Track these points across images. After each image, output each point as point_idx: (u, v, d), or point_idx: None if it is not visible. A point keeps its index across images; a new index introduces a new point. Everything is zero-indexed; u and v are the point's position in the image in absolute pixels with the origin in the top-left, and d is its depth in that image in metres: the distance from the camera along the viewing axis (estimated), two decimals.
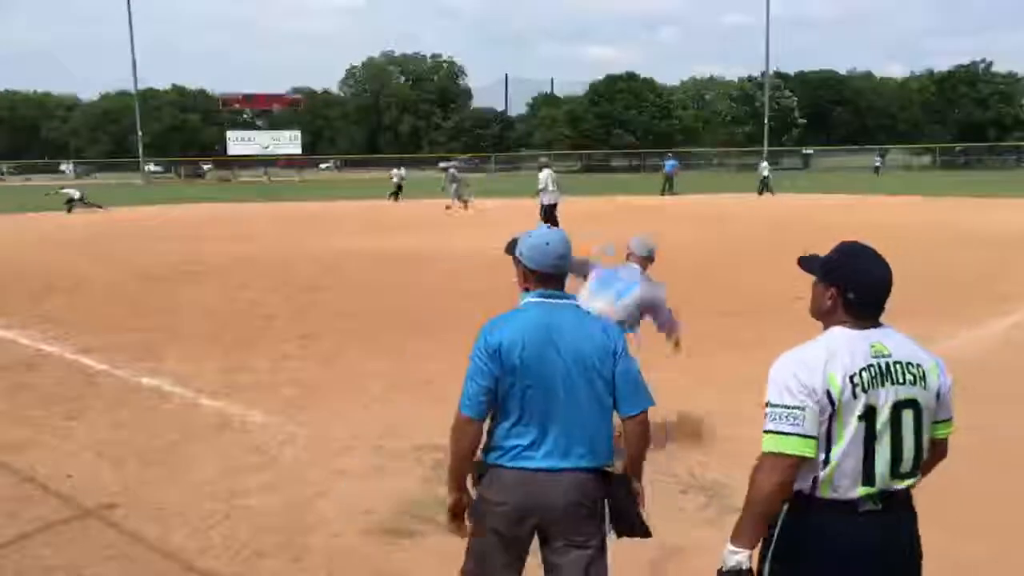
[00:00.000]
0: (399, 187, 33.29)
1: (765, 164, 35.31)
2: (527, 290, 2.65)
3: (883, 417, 2.09)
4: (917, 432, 2.14)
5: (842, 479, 2.09)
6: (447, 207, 26.47)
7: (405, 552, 3.95)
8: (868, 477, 2.10)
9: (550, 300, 2.59)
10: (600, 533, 2.59)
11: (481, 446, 2.59)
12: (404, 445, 5.29)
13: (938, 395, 2.19)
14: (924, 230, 18.17)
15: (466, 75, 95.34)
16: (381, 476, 4.83)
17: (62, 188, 32.18)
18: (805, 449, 2.05)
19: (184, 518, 4.29)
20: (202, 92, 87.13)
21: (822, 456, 2.09)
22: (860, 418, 2.07)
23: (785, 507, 2.15)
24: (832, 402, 2.06)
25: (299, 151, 71.48)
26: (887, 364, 2.12)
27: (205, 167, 75.88)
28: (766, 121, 63.11)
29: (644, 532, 2.66)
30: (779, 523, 2.17)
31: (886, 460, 2.10)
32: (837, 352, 2.11)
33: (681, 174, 40.29)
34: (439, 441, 5.33)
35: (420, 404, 6.21)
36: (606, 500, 2.58)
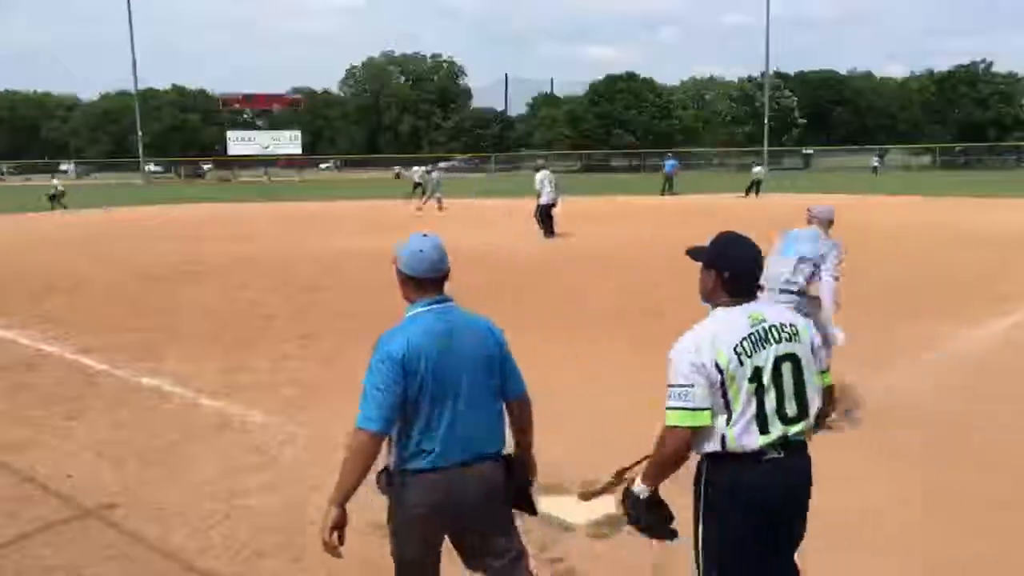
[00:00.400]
0: (417, 185, 31.62)
1: (760, 168, 35.22)
2: (409, 298, 2.74)
3: (767, 373, 2.49)
4: (798, 381, 2.54)
5: (743, 434, 2.47)
6: (418, 208, 26.37)
7: None
8: (763, 427, 2.48)
9: (436, 306, 2.70)
10: (511, 514, 2.85)
11: (389, 453, 2.69)
12: None
13: (812, 348, 2.62)
14: (924, 230, 18.17)
15: (466, 75, 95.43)
16: None
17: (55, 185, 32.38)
18: (696, 420, 2.45)
19: (184, 518, 4.29)
20: (202, 92, 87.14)
21: (724, 418, 2.47)
22: (750, 380, 2.47)
23: (706, 467, 2.56)
24: (721, 372, 2.44)
25: (299, 151, 71.51)
26: (764, 329, 2.53)
27: (205, 167, 75.91)
28: (766, 121, 63.09)
29: (532, 510, 2.95)
30: (703, 482, 2.58)
31: (773, 408, 2.49)
32: (721, 330, 2.50)
33: (681, 174, 40.28)
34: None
35: None
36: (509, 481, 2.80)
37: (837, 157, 70.86)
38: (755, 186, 32.26)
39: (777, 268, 5.51)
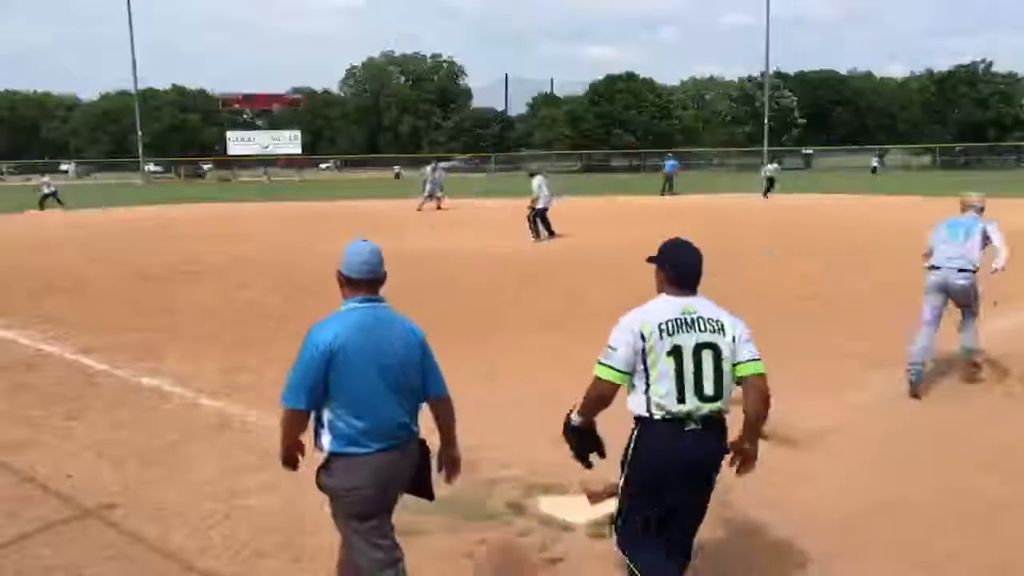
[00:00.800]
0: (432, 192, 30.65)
1: (772, 166, 34.60)
2: (345, 296, 3.09)
3: (687, 355, 3.02)
4: (716, 367, 3.05)
5: (663, 401, 3.01)
6: (438, 206, 26.79)
7: (405, 552, 3.94)
8: (681, 399, 3.01)
9: (366, 304, 3.03)
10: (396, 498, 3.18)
11: (321, 439, 2.99)
12: None
13: (734, 340, 3.08)
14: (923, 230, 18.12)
15: (466, 75, 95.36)
16: None
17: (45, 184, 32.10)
18: (610, 376, 3.06)
19: (184, 518, 4.29)
20: (202, 92, 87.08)
21: (643, 383, 3.04)
22: (669, 354, 3.01)
23: (637, 430, 3.09)
24: (644, 340, 3.03)
25: (299, 151, 71.44)
26: (692, 319, 3.07)
27: (205, 167, 75.84)
28: (766, 121, 63.07)
29: (432, 495, 3.27)
30: (632, 440, 3.11)
31: (691, 385, 3.01)
32: (655, 310, 3.11)
33: (681, 174, 40.26)
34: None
35: None
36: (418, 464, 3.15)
37: (837, 157, 70.83)
38: (769, 185, 32.02)
39: (949, 252, 6.52)
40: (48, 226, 23.95)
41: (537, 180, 18.11)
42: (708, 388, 3.02)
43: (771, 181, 32.15)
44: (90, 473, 4.88)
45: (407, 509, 4.34)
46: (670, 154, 50.41)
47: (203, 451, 5.27)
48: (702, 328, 3.05)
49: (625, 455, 3.15)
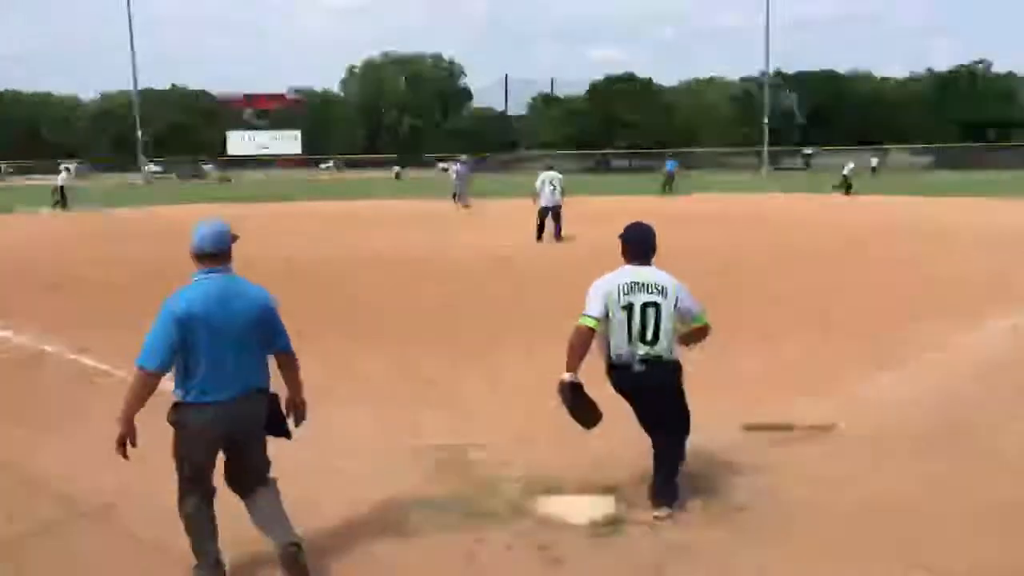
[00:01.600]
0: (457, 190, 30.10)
1: (851, 165, 34.71)
2: (195, 268, 3.52)
3: (636, 310, 4.09)
4: (656, 320, 4.09)
5: (619, 344, 4.11)
6: (464, 206, 27.32)
7: (405, 551, 3.94)
8: (631, 341, 4.09)
9: (212, 275, 3.48)
10: (265, 437, 3.74)
11: (177, 388, 3.44)
12: (404, 445, 5.29)
13: (676, 303, 4.15)
14: (923, 229, 18.14)
15: (466, 75, 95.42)
16: (381, 476, 4.82)
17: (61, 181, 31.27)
18: (589, 323, 4.07)
19: None
20: (202, 92, 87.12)
21: (606, 331, 4.12)
22: (623, 309, 4.08)
23: (608, 371, 4.20)
24: (609, 296, 4.08)
25: (299, 151, 71.52)
26: (642, 282, 4.14)
27: (205, 167, 75.87)
28: (766, 121, 63.11)
29: (288, 435, 3.81)
30: (609, 375, 4.21)
31: (638, 332, 4.09)
32: (617, 276, 4.18)
33: (681, 174, 40.27)
34: (439, 441, 5.33)
35: (420, 404, 6.21)
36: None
37: (837, 157, 70.81)
38: (845, 183, 32.11)
39: None
40: (49, 226, 23.94)
41: (541, 177, 17.07)
42: (649, 336, 4.09)
43: (847, 180, 32.34)
44: (90, 473, 4.87)
45: (407, 512, 4.36)
46: (670, 154, 50.43)
47: None
48: (649, 291, 4.10)
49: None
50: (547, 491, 4.53)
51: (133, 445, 3.41)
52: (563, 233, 16.80)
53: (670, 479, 4.26)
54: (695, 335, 4.29)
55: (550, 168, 17.82)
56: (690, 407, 4.36)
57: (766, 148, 60.35)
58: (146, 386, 3.36)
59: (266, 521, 3.64)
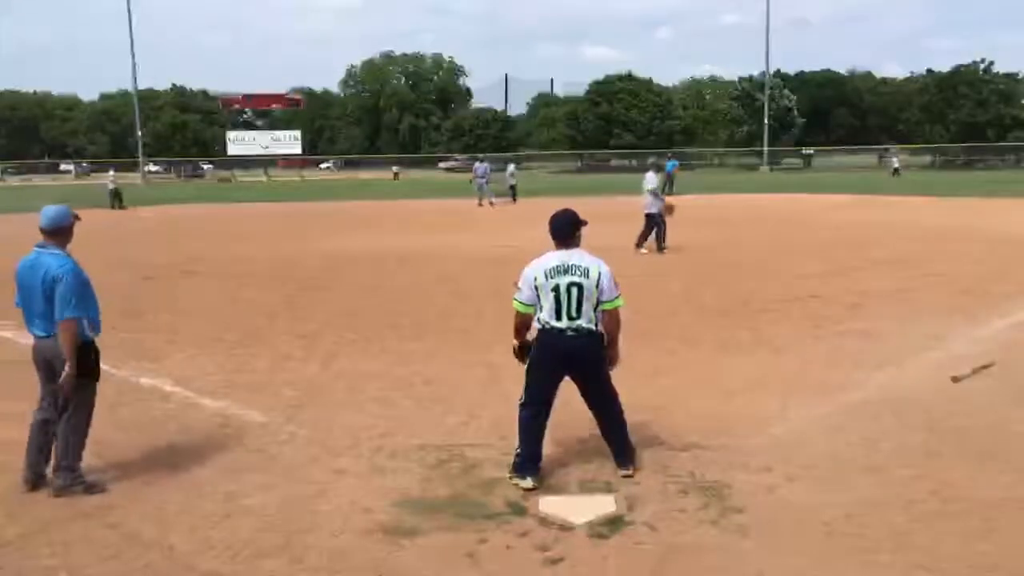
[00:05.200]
0: (513, 187, 30.08)
1: (898, 159, 36.49)
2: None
3: (563, 289, 4.56)
4: (579, 299, 4.57)
5: (549, 319, 4.59)
6: (491, 203, 27.97)
7: (405, 551, 3.94)
8: (558, 316, 4.58)
9: (37, 248, 4.65)
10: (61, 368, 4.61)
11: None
12: (404, 445, 5.29)
13: (598, 283, 4.60)
14: (923, 229, 18.14)
15: (466, 75, 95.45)
16: (381, 476, 4.83)
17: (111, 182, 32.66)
18: (522, 308, 4.67)
19: (184, 518, 4.29)
20: (202, 92, 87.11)
21: (539, 309, 4.62)
22: (552, 290, 4.57)
23: (537, 335, 4.66)
24: (537, 281, 4.60)
25: (299, 151, 71.49)
26: (567, 265, 4.60)
27: (205, 167, 75.86)
28: (766, 121, 63.05)
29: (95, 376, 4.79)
30: (536, 340, 4.68)
31: (564, 309, 4.56)
32: (544, 261, 4.65)
33: (681, 174, 40.29)
34: (439, 441, 5.34)
35: (420, 404, 6.21)
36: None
37: (837, 157, 70.80)
38: (896, 172, 32.60)
39: None
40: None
41: (649, 176, 15.22)
42: (573, 312, 4.58)
43: (896, 171, 32.85)
44: (90, 473, 4.87)
45: (407, 512, 4.36)
46: (670, 154, 50.42)
47: (203, 451, 5.27)
48: (573, 273, 4.58)
49: (531, 349, 4.72)
50: (547, 491, 4.54)
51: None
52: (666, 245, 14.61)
53: (626, 440, 4.80)
54: (606, 318, 4.68)
55: (655, 167, 16.30)
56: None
57: (766, 148, 60.31)
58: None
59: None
